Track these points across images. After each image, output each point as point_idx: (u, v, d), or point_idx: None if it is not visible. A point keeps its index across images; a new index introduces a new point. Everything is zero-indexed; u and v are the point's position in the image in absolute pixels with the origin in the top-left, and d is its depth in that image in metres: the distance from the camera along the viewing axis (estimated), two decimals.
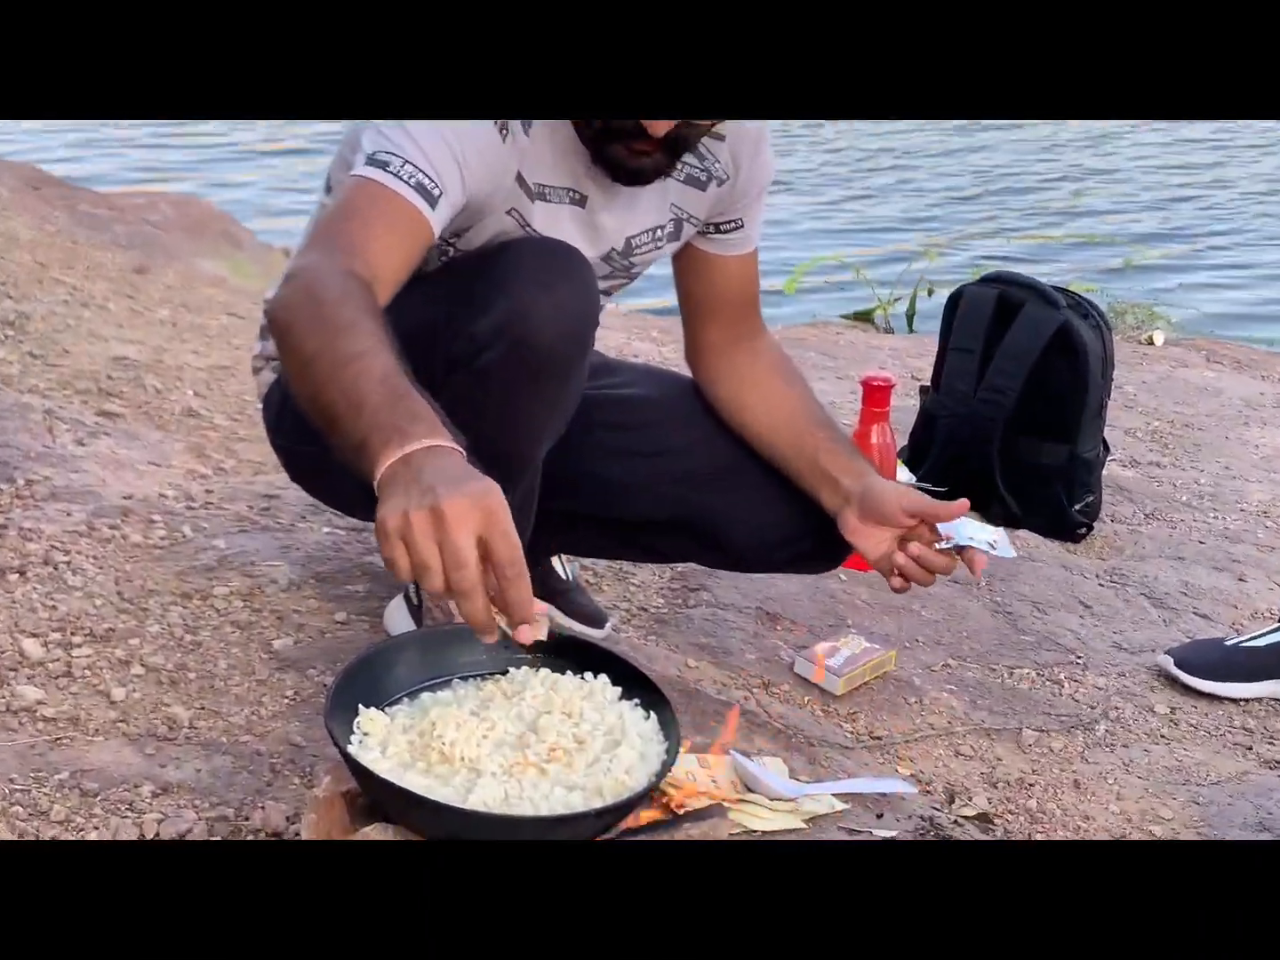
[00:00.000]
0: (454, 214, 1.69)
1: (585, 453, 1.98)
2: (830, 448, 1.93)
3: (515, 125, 1.73)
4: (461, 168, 1.65)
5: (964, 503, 1.79)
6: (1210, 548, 3.01)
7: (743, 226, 1.97)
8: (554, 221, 1.82)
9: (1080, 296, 3.17)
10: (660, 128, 1.66)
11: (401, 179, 1.61)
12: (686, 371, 2.10)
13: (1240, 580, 2.87)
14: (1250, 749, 2.26)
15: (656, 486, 2.00)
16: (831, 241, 7.08)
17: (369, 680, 1.60)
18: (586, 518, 2.09)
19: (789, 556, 2.05)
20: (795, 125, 9.67)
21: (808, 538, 1.98)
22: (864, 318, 5.22)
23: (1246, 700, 2.39)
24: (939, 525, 1.80)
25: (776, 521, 1.98)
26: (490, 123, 1.69)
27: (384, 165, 1.61)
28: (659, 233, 1.92)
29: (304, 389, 1.44)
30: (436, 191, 1.62)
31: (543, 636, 1.36)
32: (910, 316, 5.28)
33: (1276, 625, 2.46)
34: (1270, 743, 2.28)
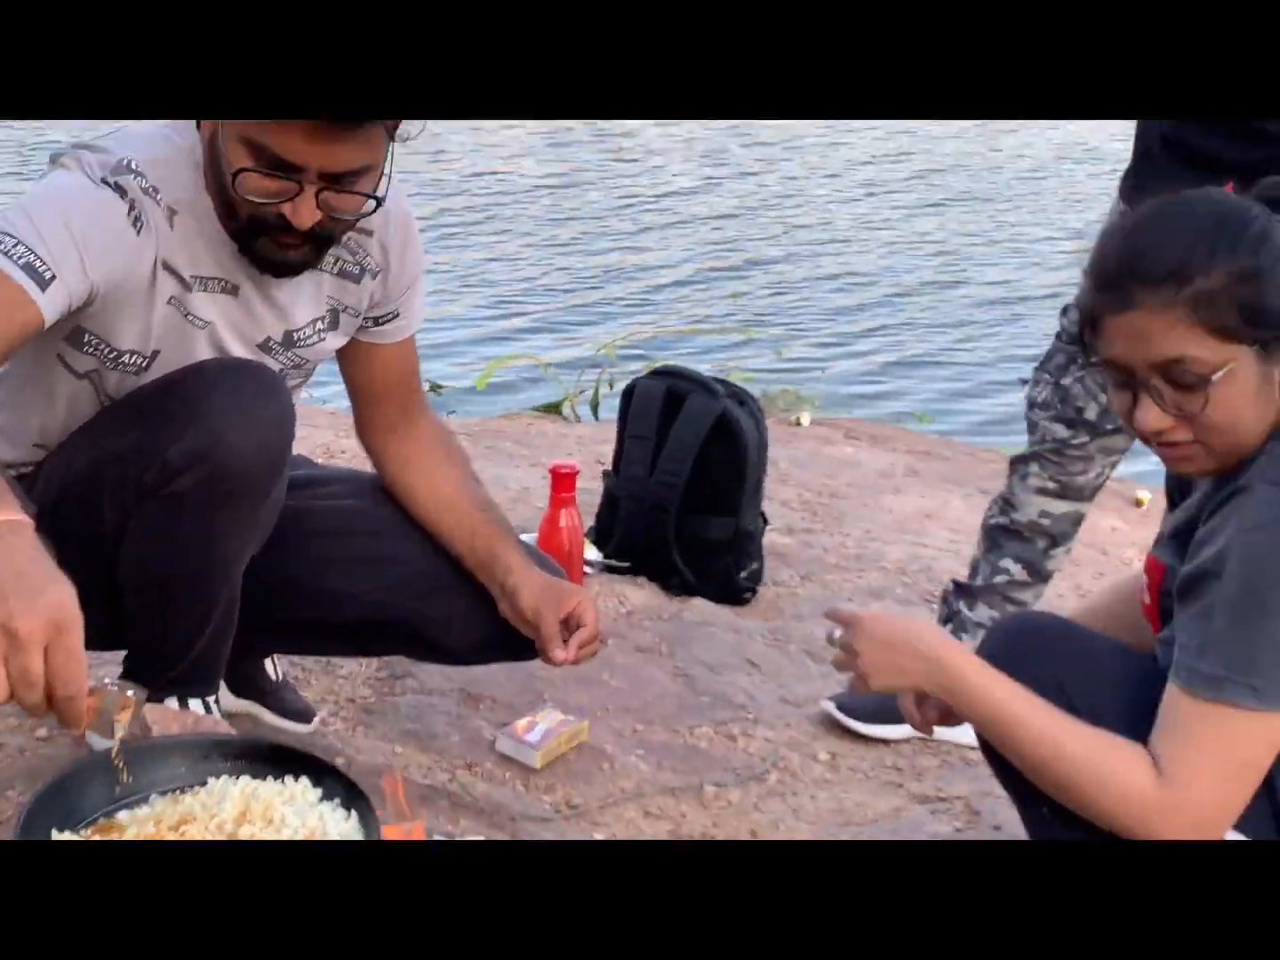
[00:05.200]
0: (74, 300, 1.53)
1: (300, 563, 1.84)
2: (486, 531, 1.85)
3: (154, 217, 1.59)
4: (82, 254, 1.51)
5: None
6: (858, 604, 3.02)
7: (399, 316, 1.86)
8: (211, 310, 1.68)
9: (737, 386, 3.19)
10: (306, 220, 1.55)
11: (10, 259, 1.46)
12: None
13: None
14: (901, 786, 2.25)
15: (371, 593, 1.86)
16: (520, 343, 7.08)
17: (64, 802, 1.44)
18: (302, 623, 1.94)
19: (497, 654, 1.96)
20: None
21: (516, 636, 1.87)
22: (553, 409, 5.17)
23: (897, 740, 2.37)
24: None
25: (487, 623, 1.86)
26: (123, 213, 1.56)
27: None
28: (319, 325, 1.79)
29: None
30: (48, 274, 1.48)
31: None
32: (595, 406, 5.26)
33: None
34: (918, 779, 2.28)
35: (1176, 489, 1.67)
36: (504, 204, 10.34)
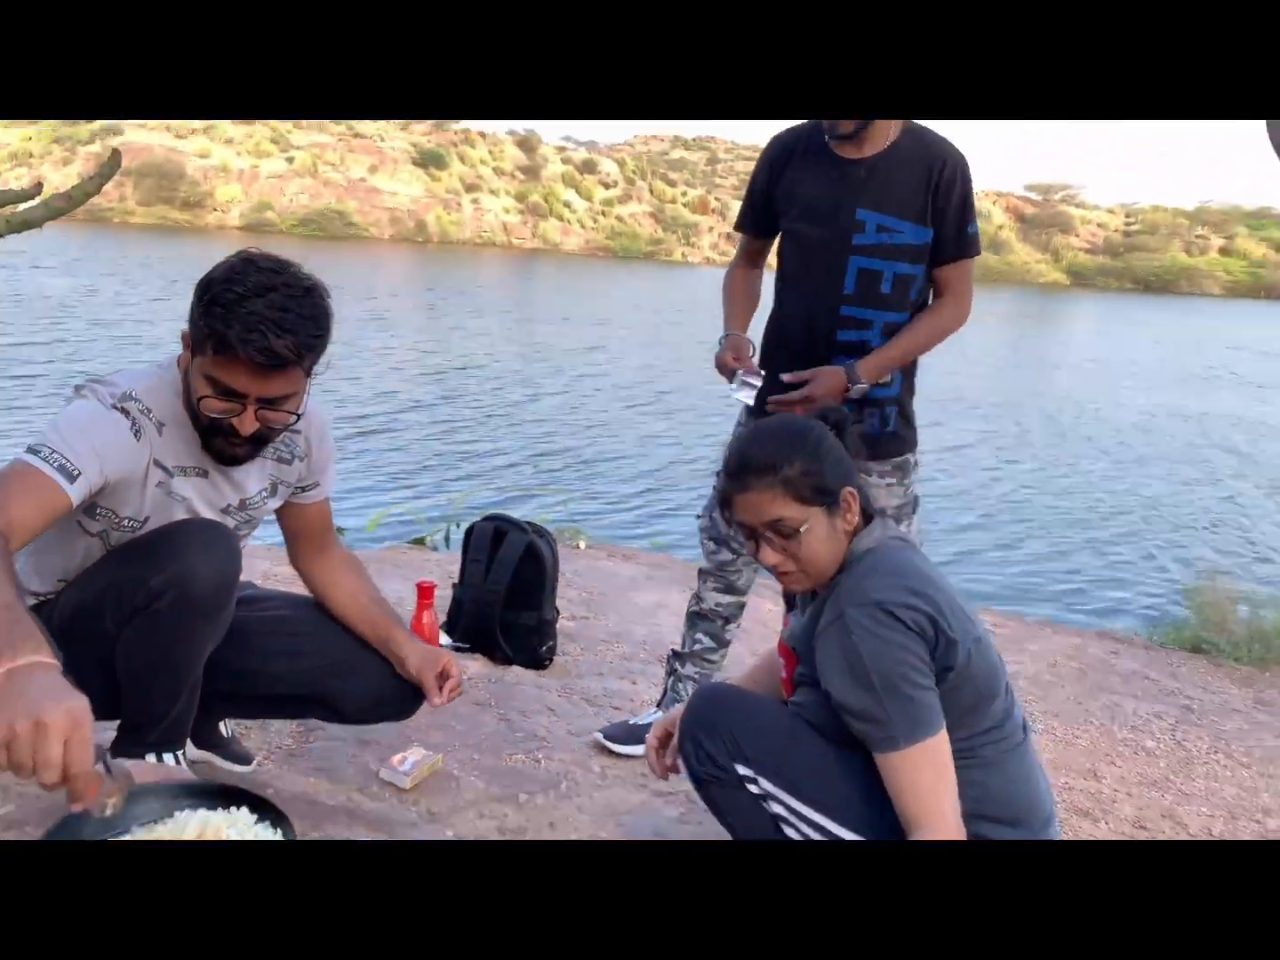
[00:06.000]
0: (93, 489, 1.46)
1: (245, 655, 1.75)
2: (382, 620, 1.81)
3: (148, 429, 1.54)
4: (100, 458, 1.46)
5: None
6: (617, 666, 3.03)
7: (319, 485, 1.83)
8: (188, 489, 1.61)
9: (539, 525, 3.19)
10: (247, 429, 1.52)
11: (48, 462, 1.41)
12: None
13: (634, 684, 2.90)
14: (646, 786, 2.23)
15: (293, 675, 1.78)
16: (399, 502, 6.96)
17: (66, 835, 1.30)
18: (245, 696, 1.83)
19: (380, 716, 1.87)
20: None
21: (393, 704, 1.82)
22: (420, 542, 5.03)
23: (641, 756, 2.33)
24: None
25: (374, 696, 1.80)
26: (127, 428, 1.51)
27: (37, 453, 1.42)
28: (264, 493, 1.74)
29: None
30: (75, 472, 1.42)
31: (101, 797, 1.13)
32: (446, 540, 5.16)
33: (655, 709, 2.48)
34: (655, 782, 2.24)
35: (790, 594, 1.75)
36: (399, 414, 10.30)
